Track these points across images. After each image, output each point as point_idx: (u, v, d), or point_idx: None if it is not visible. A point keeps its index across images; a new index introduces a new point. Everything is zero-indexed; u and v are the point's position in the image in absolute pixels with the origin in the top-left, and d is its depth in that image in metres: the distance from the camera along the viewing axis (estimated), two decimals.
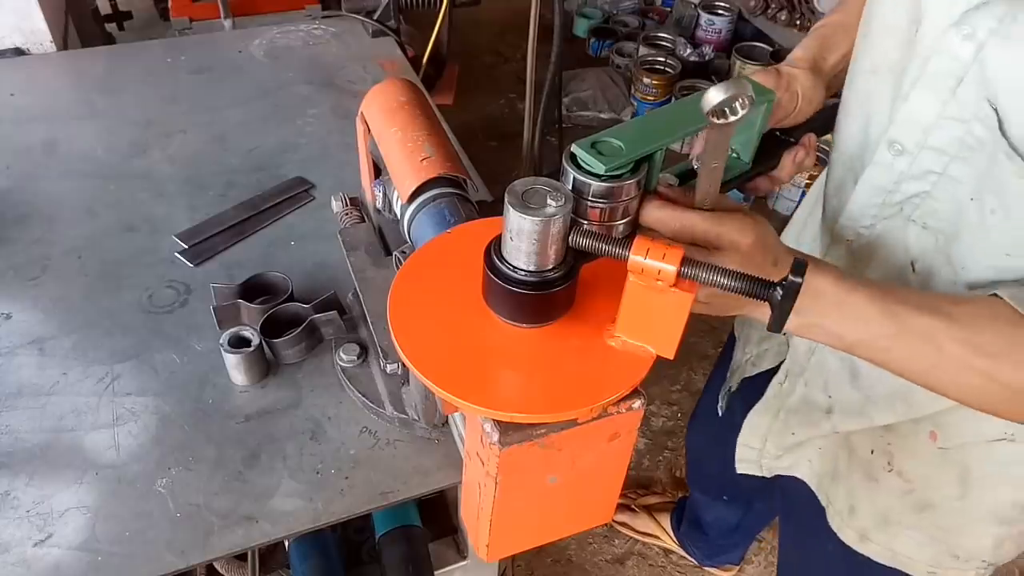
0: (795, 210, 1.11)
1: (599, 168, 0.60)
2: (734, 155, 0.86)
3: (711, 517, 1.68)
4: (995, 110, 0.60)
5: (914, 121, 0.67)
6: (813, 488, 1.00)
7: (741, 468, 1.09)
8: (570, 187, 0.59)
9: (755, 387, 1.06)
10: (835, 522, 0.97)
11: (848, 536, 0.96)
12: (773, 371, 1.00)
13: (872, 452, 0.89)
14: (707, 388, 1.43)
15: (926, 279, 0.73)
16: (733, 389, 1.13)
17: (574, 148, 0.61)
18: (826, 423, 0.91)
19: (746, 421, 1.04)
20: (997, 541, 0.87)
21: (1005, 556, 0.89)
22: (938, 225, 0.70)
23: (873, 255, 0.77)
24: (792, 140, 0.88)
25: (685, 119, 0.74)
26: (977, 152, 0.63)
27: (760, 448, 1.04)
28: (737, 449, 1.07)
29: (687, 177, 0.86)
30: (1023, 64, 0.58)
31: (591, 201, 0.61)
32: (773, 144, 0.83)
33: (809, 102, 0.77)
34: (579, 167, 0.61)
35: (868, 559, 0.95)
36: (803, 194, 2.05)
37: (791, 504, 1.11)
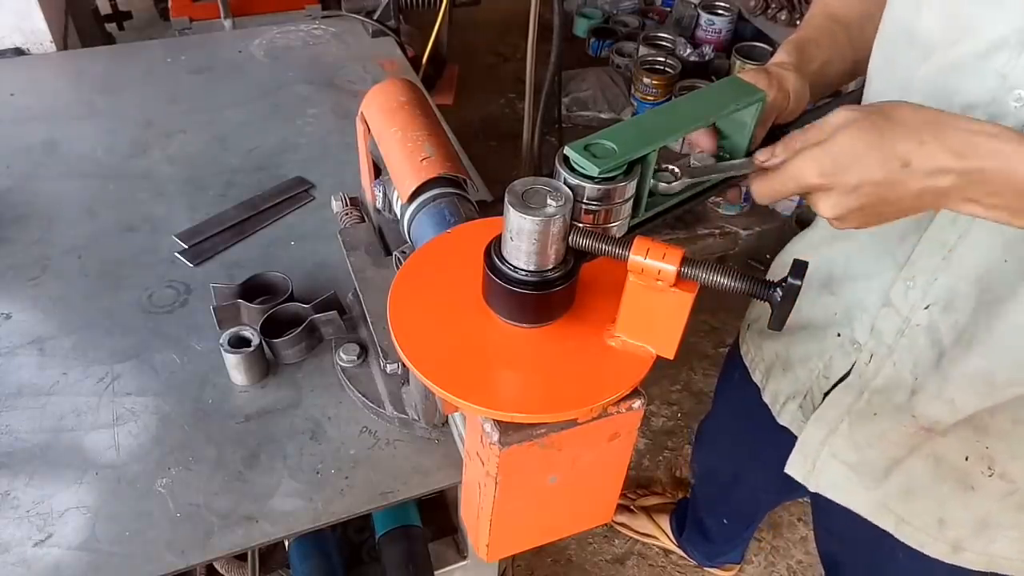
0: (794, 214, 1.09)
1: (592, 170, 0.60)
2: (726, 156, 0.86)
3: (712, 523, 1.68)
4: None
5: None
6: (866, 515, 0.96)
7: (790, 469, 1.03)
8: None
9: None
10: (917, 539, 0.93)
11: (939, 550, 0.92)
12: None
13: (967, 459, 0.86)
14: (717, 410, 1.37)
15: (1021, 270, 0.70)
16: (813, 406, 1.02)
17: (567, 151, 0.61)
18: (907, 406, 0.87)
19: (817, 412, 0.96)
20: None
21: None
22: None
23: (969, 248, 0.74)
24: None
25: (678, 119, 0.74)
26: None
27: (823, 440, 0.97)
28: (796, 448, 1.01)
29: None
30: None
31: (585, 203, 0.61)
32: (766, 140, 0.83)
33: (798, 101, 0.77)
34: (572, 169, 0.61)
35: (959, 568, 0.91)
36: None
37: (838, 537, 1.06)
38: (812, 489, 1.01)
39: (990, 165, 0.55)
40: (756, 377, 1.10)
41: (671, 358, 0.56)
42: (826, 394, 0.96)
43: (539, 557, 1.89)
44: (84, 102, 1.39)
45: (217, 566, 1.08)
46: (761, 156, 0.64)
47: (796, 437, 1.01)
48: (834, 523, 1.06)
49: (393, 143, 0.79)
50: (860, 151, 0.57)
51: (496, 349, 0.57)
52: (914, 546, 0.93)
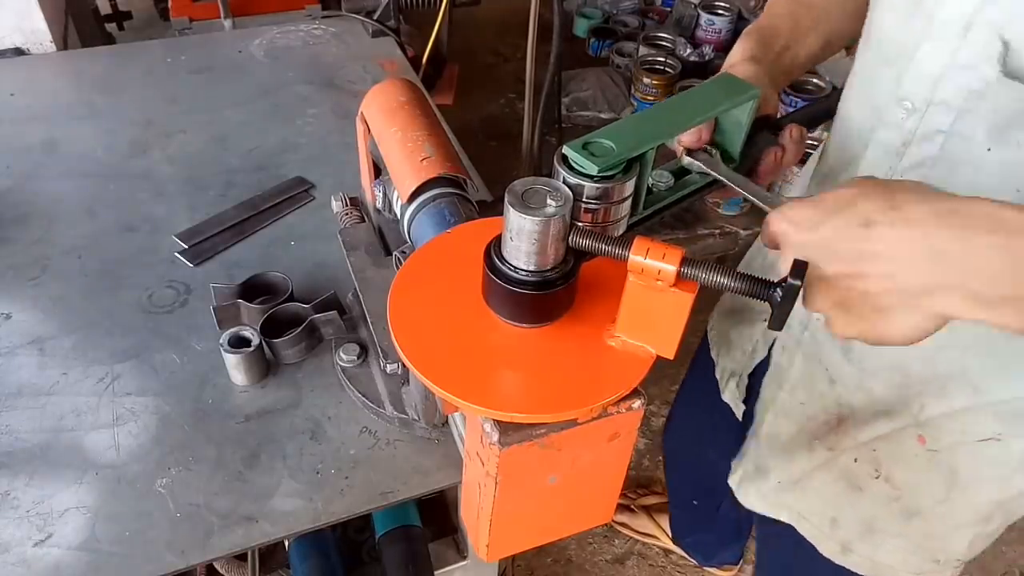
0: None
1: (591, 169, 0.60)
2: (726, 153, 0.86)
3: (684, 509, 1.69)
4: (1005, 44, 0.59)
5: (923, 74, 0.66)
6: (762, 511, 1.01)
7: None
8: None
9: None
10: (813, 535, 0.96)
11: (828, 548, 0.95)
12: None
13: (856, 461, 0.89)
14: (682, 393, 1.41)
15: None
16: (742, 384, 1.10)
17: (565, 150, 0.61)
18: (830, 394, 0.89)
19: (759, 401, 1.01)
20: (972, 540, 0.87)
21: (975, 552, 0.89)
22: (955, 182, 0.67)
23: None
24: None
25: (675, 117, 0.74)
26: (985, 98, 0.62)
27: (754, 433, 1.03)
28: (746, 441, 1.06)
29: (681, 174, 0.86)
30: None
31: (584, 202, 0.61)
32: (762, 143, 0.83)
33: (765, 97, 0.75)
34: (571, 168, 0.61)
35: (846, 571, 0.94)
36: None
37: (764, 525, 1.10)
38: (730, 483, 1.07)
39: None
40: (712, 354, 1.16)
41: (671, 358, 0.56)
42: (750, 377, 1.02)
43: (539, 557, 1.89)
44: (84, 102, 1.39)
45: (217, 566, 1.08)
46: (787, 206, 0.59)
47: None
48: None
49: (393, 143, 0.79)
50: (837, 202, 0.54)
51: (496, 349, 0.57)
52: (811, 540, 0.96)
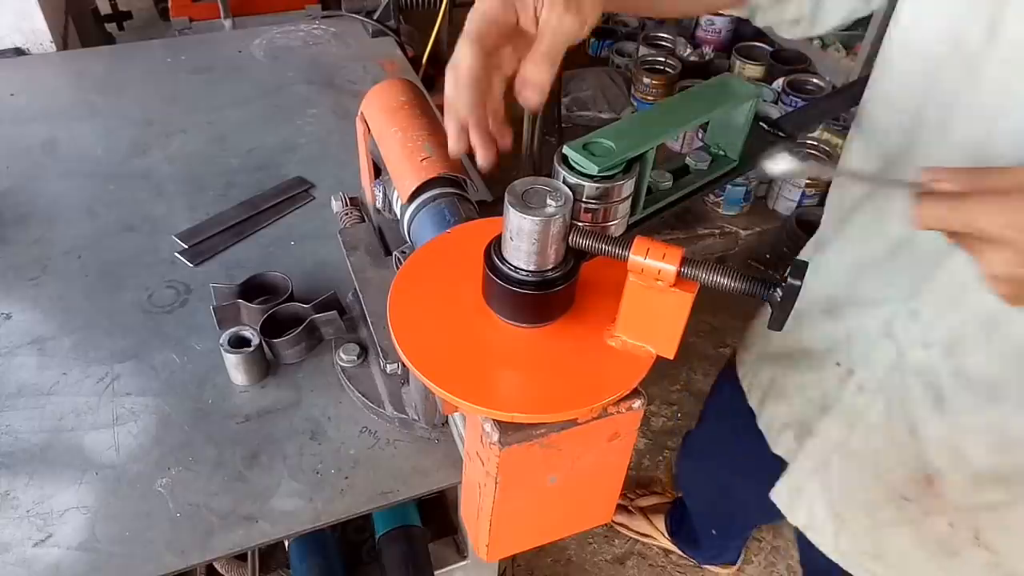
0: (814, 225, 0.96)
1: (592, 169, 0.60)
2: (721, 153, 0.86)
3: (703, 533, 1.66)
4: None
5: None
6: (839, 562, 0.93)
7: (775, 496, 0.99)
8: None
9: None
10: None
11: None
12: None
13: (951, 526, 0.81)
14: (707, 427, 1.32)
15: None
16: (804, 435, 0.95)
17: (566, 150, 0.61)
18: (910, 447, 0.80)
19: (809, 444, 0.92)
20: None
21: None
22: None
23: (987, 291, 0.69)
24: (781, 134, 0.88)
25: (675, 117, 0.74)
26: None
27: (812, 472, 0.93)
28: (784, 474, 0.97)
29: (681, 174, 0.86)
30: None
31: (584, 202, 0.61)
32: (761, 138, 0.83)
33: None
34: (571, 168, 0.61)
35: None
36: (803, 195, 2.04)
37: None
38: (791, 522, 0.97)
39: None
40: (752, 402, 1.05)
41: (671, 358, 0.56)
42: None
43: (539, 557, 1.89)
44: (84, 102, 1.39)
45: (217, 566, 1.08)
46: (929, 175, 0.55)
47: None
48: (817, 561, 0.99)
49: (393, 143, 0.79)
50: None
51: (496, 349, 0.57)
52: None
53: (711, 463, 1.34)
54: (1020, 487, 0.75)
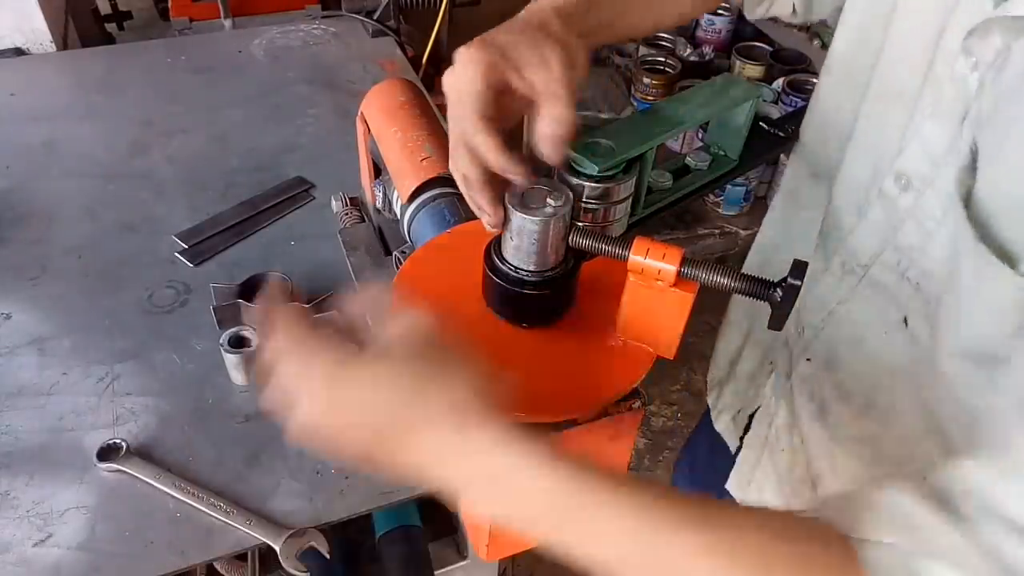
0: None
1: (592, 169, 0.60)
2: (721, 153, 0.87)
3: None
4: (973, 153, 0.52)
5: (925, 153, 0.59)
6: None
7: (729, 485, 1.02)
8: None
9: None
10: None
11: None
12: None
13: None
14: (691, 446, 1.35)
15: (916, 338, 0.65)
16: (742, 428, 1.03)
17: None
18: (801, 452, 0.84)
19: (746, 438, 0.97)
20: None
21: None
22: (929, 288, 0.61)
23: (866, 298, 0.70)
24: (781, 134, 0.88)
25: (675, 117, 0.74)
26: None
27: (755, 464, 0.97)
28: (734, 468, 1.01)
29: (681, 174, 0.86)
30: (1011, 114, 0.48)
31: (584, 202, 0.61)
32: (760, 138, 0.83)
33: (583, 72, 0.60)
34: (571, 168, 0.61)
35: None
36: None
37: None
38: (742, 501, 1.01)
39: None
40: (711, 394, 1.11)
41: (671, 358, 0.56)
42: (750, 417, 0.97)
43: (539, 557, 1.89)
44: (84, 102, 1.39)
45: (217, 566, 1.08)
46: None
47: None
48: None
49: (393, 143, 0.79)
50: None
51: (496, 349, 0.57)
52: None
53: (693, 481, 1.34)
54: None
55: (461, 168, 0.53)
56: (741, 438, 1.02)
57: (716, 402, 1.09)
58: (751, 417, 0.97)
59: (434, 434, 0.44)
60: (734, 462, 1.02)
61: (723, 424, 1.06)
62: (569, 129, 0.53)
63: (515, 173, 0.52)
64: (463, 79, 0.51)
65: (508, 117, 0.55)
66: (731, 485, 1.02)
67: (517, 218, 0.52)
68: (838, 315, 0.73)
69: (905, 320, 0.65)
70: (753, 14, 0.84)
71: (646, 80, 1.72)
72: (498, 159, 0.51)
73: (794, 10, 0.82)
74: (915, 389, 0.66)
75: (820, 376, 0.78)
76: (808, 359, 0.79)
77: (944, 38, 0.57)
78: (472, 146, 0.52)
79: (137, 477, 0.79)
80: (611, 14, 0.66)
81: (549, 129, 0.52)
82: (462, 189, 0.55)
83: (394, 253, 0.85)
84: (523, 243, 0.53)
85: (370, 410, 0.45)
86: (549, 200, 0.52)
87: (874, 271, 0.68)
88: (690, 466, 1.38)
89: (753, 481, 0.97)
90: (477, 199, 0.53)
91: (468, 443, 0.44)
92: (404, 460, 0.45)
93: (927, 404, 0.65)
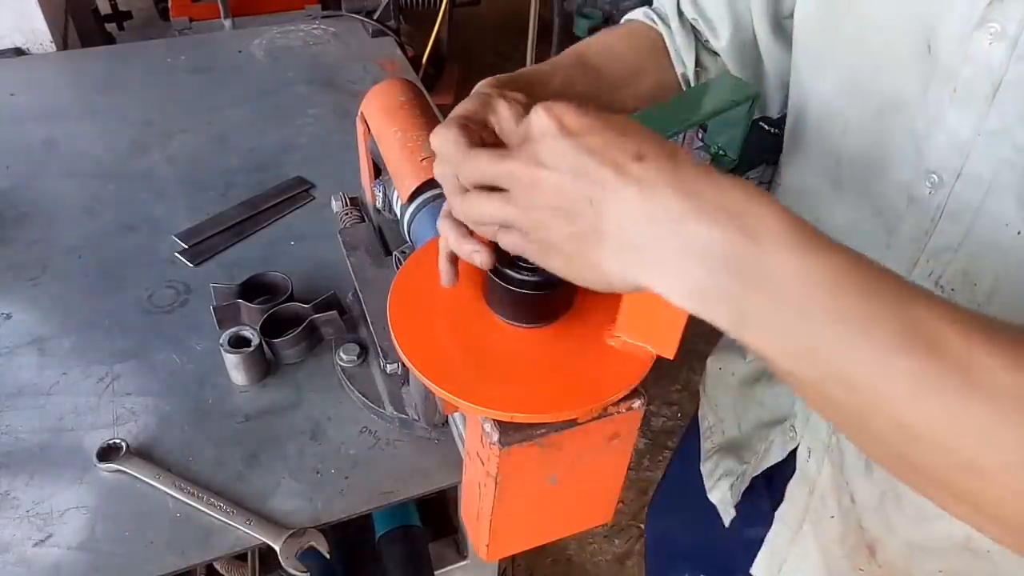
0: None
1: None
2: (721, 153, 0.87)
3: None
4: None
5: (951, 144, 0.58)
6: None
7: (756, 570, 0.93)
8: None
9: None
10: None
11: None
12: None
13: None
14: (669, 479, 1.26)
15: None
16: (739, 495, 0.94)
17: None
18: (853, 512, 0.78)
19: (780, 510, 0.88)
20: None
21: None
22: (964, 291, 0.60)
23: None
24: (781, 134, 0.88)
25: (674, 117, 0.74)
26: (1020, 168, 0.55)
27: (791, 540, 0.88)
28: (763, 547, 0.91)
29: None
30: None
31: None
32: (759, 137, 0.83)
33: None
34: None
35: None
36: None
37: None
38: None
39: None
40: (704, 445, 1.02)
41: (671, 358, 0.56)
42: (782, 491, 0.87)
43: (539, 557, 1.89)
44: (84, 102, 1.39)
45: (217, 566, 1.08)
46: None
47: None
48: None
49: (393, 143, 0.79)
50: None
51: (496, 349, 0.57)
52: None
53: (683, 513, 1.22)
54: (956, 560, 0.72)
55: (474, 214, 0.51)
56: (736, 506, 0.95)
57: (714, 470, 0.99)
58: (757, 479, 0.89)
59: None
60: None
61: (719, 494, 0.97)
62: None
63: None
64: (444, 138, 0.51)
65: None
66: (759, 570, 0.93)
67: None
68: None
69: None
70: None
71: None
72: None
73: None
74: None
75: None
76: None
77: (941, 27, 0.56)
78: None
79: (137, 477, 0.79)
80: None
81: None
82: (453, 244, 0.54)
83: (394, 253, 0.86)
84: None
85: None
86: None
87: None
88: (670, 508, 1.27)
89: (788, 560, 0.89)
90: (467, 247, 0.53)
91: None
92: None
93: None
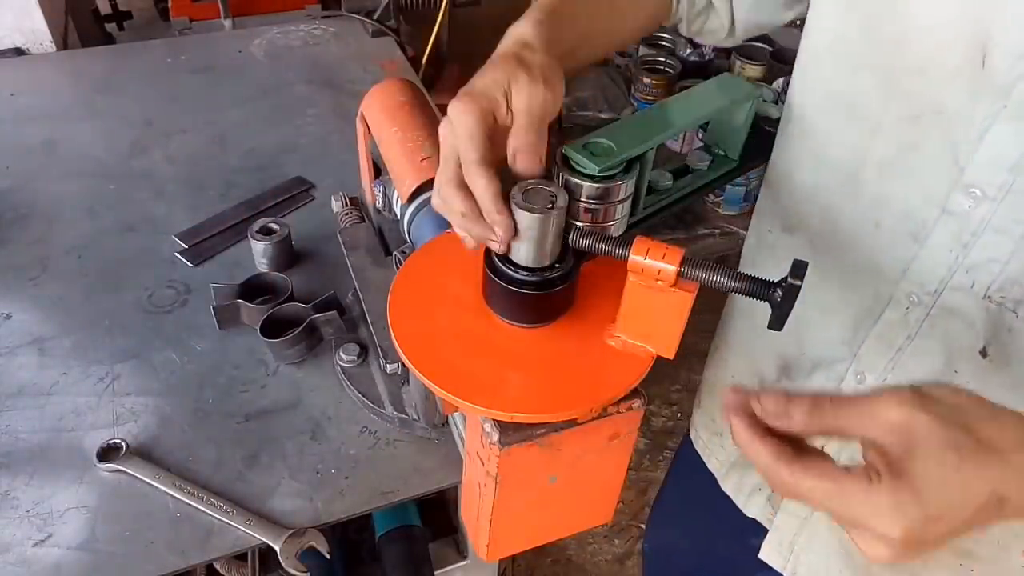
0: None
1: (592, 169, 0.60)
2: (721, 153, 0.87)
3: None
4: None
5: (997, 162, 0.57)
6: None
7: (765, 556, 0.94)
8: None
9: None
10: None
11: None
12: None
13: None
14: (668, 492, 1.25)
15: (1001, 367, 0.62)
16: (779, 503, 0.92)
17: (565, 150, 0.61)
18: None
19: (784, 503, 0.89)
20: None
21: None
22: (1018, 297, 0.59)
23: (933, 330, 0.66)
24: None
25: (675, 117, 0.74)
26: None
27: (798, 529, 0.89)
28: (769, 536, 0.92)
29: (681, 174, 0.86)
30: None
31: (584, 202, 0.61)
32: (760, 138, 0.83)
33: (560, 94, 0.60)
34: (572, 169, 0.61)
35: None
36: None
37: None
38: None
39: None
40: (711, 465, 1.02)
41: (671, 358, 0.56)
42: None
43: (539, 557, 1.89)
44: (84, 102, 1.39)
45: (217, 566, 1.08)
46: (769, 405, 0.47)
47: (763, 526, 0.93)
48: None
49: (393, 143, 0.79)
50: (951, 493, 0.42)
51: (496, 349, 0.57)
52: None
53: (686, 527, 1.24)
54: (1002, 534, 0.73)
55: (457, 208, 0.54)
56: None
57: (740, 483, 0.97)
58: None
59: None
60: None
61: (757, 509, 0.95)
62: (540, 143, 0.55)
63: (498, 224, 0.52)
64: (460, 128, 0.53)
65: (500, 155, 0.56)
66: (767, 555, 0.94)
67: (516, 216, 0.52)
68: (906, 355, 0.69)
69: (984, 351, 0.63)
70: (687, 32, 0.83)
71: (646, 80, 1.72)
72: (493, 205, 0.52)
73: (729, 32, 0.82)
74: None
75: None
76: None
77: (999, 40, 0.54)
78: (471, 186, 0.53)
79: (137, 477, 0.79)
80: (574, 36, 0.68)
81: (523, 141, 0.54)
82: (459, 225, 0.55)
83: (394, 253, 0.85)
84: (522, 242, 0.53)
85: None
86: (548, 199, 0.52)
87: (945, 297, 0.64)
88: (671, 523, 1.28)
89: (799, 541, 0.89)
90: (478, 229, 0.54)
91: None
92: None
93: None
